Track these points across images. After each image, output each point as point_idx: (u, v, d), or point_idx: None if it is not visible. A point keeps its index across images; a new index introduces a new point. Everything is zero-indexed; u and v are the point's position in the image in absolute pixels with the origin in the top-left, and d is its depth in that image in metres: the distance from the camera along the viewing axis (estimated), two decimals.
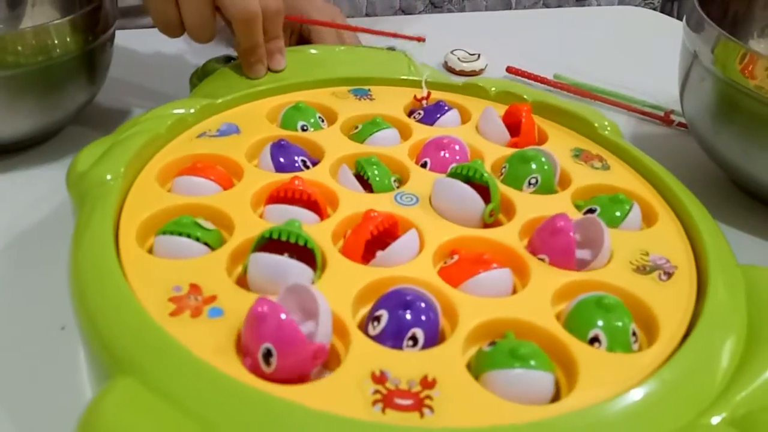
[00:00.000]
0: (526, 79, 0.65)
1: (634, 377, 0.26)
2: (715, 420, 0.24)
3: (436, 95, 0.47)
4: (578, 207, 0.37)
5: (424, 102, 0.46)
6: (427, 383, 0.25)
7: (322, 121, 0.43)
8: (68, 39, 0.44)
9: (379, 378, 0.25)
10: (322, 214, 0.34)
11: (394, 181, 0.38)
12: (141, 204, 0.33)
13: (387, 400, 0.24)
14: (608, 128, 0.44)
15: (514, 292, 0.31)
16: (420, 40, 0.54)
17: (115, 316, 0.26)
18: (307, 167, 0.38)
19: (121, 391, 0.23)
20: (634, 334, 0.28)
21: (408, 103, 0.46)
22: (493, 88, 0.47)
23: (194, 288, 0.28)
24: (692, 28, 0.47)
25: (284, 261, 0.29)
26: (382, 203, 0.35)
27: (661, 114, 0.59)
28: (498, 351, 0.26)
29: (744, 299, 0.30)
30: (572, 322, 0.28)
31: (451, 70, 0.67)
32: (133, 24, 0.71)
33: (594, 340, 0.27)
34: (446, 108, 0.45)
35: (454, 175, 0.36)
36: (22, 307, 0.35)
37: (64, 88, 0.46)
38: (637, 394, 0.25)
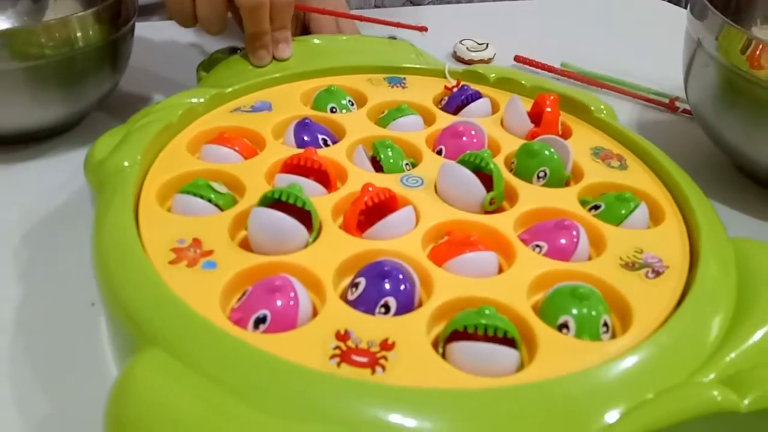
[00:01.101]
0: (533, 68, 0.66)
1: (592, 361, 0.27)
2: (706, 379, 0.26)
3: (441, 82, 0.49)
4: (585, 203, 0.38)
5: (453, 90, 0.47)
6: (386, 345, 0.27)
7: (352, 104, 0.46)
8: (91, 31, 0.46)
9: (342, 336, 0.27)
10: (330, 187, 0.36)
11: (407, 164, 0.40)
12: (167, 167, 0.37)
13: (344, 356, 0.26)
14: (604, 111, 0.45)
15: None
16: (422, 29, 0.56)
17: (139, 293, 0.28)
18: (327, 146, 0.40)
19: (149, 360, 0.25)
20: (605, 324, 0.29)
21: (438, 93, 0.48)
22: (492, 75, 0.49)
23: (196, 242, 0.32)
24: (696, 16, 0.48)
25: (282, 217, 0.31)
26: (388, 183, 0.36)
27: (666, 101, 0.60)
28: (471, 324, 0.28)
29: (734, 270, 0.32)
30: (545, 307, 0.30)
31: (460, 60, 0.68)
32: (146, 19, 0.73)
33: (563, 326, 0.29)
34: (474, 95, 0.46)
35: (462, 161, 0.37)
36: (51, 285, 0.38)
37: (87, 78, 0.48)
38: (631, 358, 0.27)
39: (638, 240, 0.34)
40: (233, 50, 0.53)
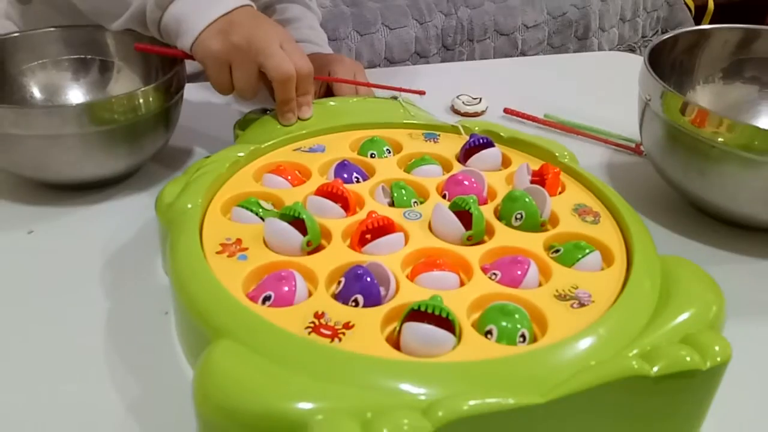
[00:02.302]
0: (520, 118, 0.77)
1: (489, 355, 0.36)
2: (632, 353, 0.36)
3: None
4: (552, 247, 0.46)
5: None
6: (347, 326, 0.37)
7: (389, 152, 0.57)
8: (151, 100, 0.57)
9: (319, 315, 0.38)
10: (348, 211, 0.48)
11: (415, 202, 0.50)
12: (232, 190, 0.50)
13: (315, 329, 0.37)
14: (567, 157, 0.55)
15: None
16: (420, 93, 0.67)
17: (208, 300, 0.39)
18: (358, 182, 0.52)
19: (221, 347, 0.35)
20: (523, 336, 0.37)
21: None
22: (476, 128, 0.59)
23: (238, 241, 0.44)
24: (644, 80, 0.58)
25: (277, 222, 0.44)
26: (393, 214, 0.47)
27: (633, 146, 0.70)
28: (422, 304, 0.37)
29: (658, 280, 0.41)
30: (481, 317, 0.39)
31: (456, 112, 0.79)
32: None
33: (488, 333, 0.38)
34: (483, 141, 0.55)
35: (452, 204, 0.47)
36: (130, 299, 0.48)
37: (146, 137, 0.59)
38: (580, 337, 0.36)
39: (578, 279, 0.42)
40: (264, 111, 0.64)
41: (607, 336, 0.37)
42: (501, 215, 0.49)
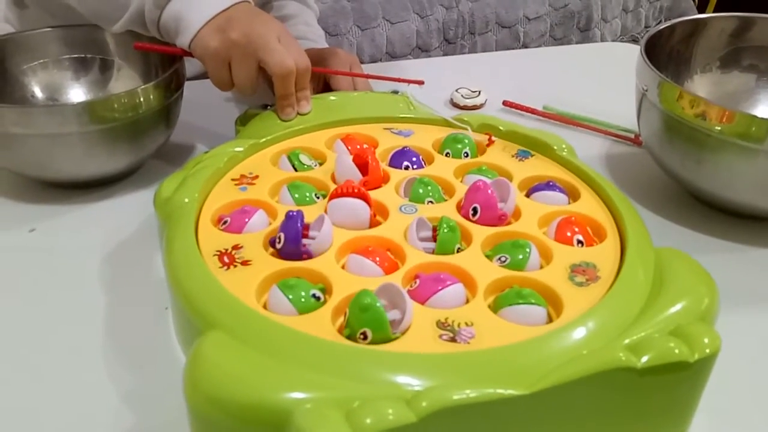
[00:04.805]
0: (519, 110, 0.77)
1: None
2: (624, 342, 0.36)
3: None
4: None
5: (493, 138, 0.57)
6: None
7: (467, 155, 0.56)
8: (152, 98, 0.58)
9: (237, 247, 0.44)
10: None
11: (430, 201, 0.49)
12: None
13: (220, 256, 0.43)
14: (565, 150, 0.55)
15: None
16: (419, 83, 0.67)
17: (199, 293, 0.39)
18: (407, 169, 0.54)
19: (212, 339, 0.36)
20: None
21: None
22: (475, 121, 0.59)
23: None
24: (641, 70, 0.58)
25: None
26: (390, 202, 0.49)
27: (632, 136, 0.70)
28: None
29: (651, 272, 0.41)
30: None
31: (456, 105, 0.79)
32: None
33: None
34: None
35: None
36: (128, 294, 0.49)
37: (147, 134, 0.60)
38: (567, 329, 0.37)
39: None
40: (264, 106, 0.64)
41: (595, 328, 0.37)
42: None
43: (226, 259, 0.43)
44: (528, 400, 0.33)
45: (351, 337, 0.37)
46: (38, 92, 0.67)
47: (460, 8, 1.58)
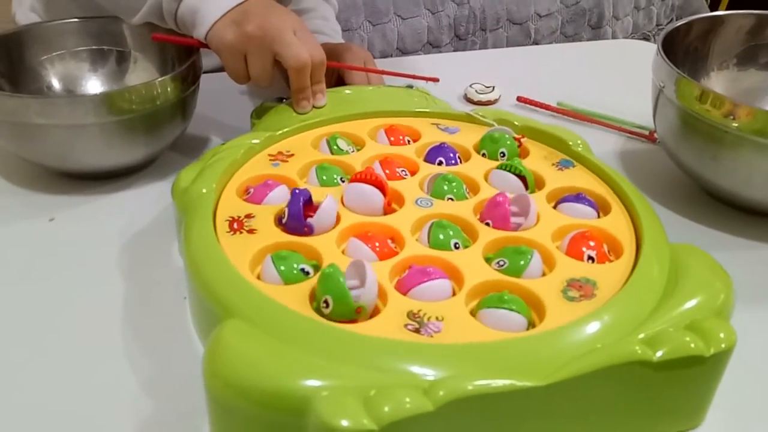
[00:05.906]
0: (533, 106, 0.77)
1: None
2: (639, 336, 0.36)
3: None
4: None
5: (523, 139, 0.56)
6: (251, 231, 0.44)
7: (503, 155, 0.55)
8: (169, 90, 0.58)
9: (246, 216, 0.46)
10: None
11: (450, 198, 0.49)
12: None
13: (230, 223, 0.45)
14: (580, 145, 0.55)
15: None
16: (434, 80, 0.67)
17: (218, 281, 0.40)
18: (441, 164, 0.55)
19: (230, 326, 0.36)
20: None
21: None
22: (491, 116, 0.59)
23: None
24: (657, 67, 0.58)
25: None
26: (408, 192, 0.50)
27: (647, 133, 0.70)
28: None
29: (666, 268, 0.41)
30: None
31: (470, 101, 0.79)
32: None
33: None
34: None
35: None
36: (146, 283, 0.50)
37: (164, 126, 0.60)
38: (583, 322, 0.37)
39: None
40: (279, 99, 0.64)
41: (611, 321, 0.37)
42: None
43: (235, 225, 0.45)
44: (543, 391, 0.33)
45: (318, 309, 0.38)
46: (55, 83, 0.67)
47: (471, 4, 1.58)
